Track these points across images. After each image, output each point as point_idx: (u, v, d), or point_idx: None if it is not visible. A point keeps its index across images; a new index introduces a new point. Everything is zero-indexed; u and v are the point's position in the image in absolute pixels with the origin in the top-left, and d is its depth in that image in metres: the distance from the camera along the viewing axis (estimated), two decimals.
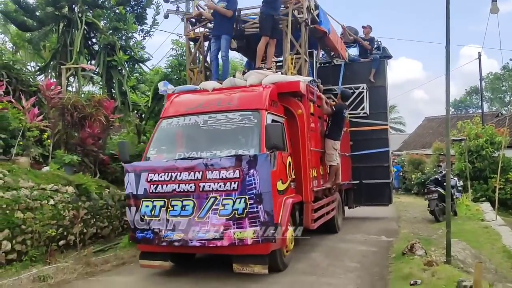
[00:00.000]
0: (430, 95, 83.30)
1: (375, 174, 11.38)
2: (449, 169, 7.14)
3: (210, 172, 5.68)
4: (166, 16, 9.49)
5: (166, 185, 5.88)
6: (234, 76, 7.77)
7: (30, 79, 11.21)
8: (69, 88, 11.40)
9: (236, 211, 5.50)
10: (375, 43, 12.63)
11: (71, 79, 11.58)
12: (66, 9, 11.54)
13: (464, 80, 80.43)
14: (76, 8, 11.49)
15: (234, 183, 5.57)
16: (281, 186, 6.18)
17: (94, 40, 12.45)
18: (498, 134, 15.38)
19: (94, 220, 8.19)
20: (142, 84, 14.22)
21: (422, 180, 18.82)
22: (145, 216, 5.90)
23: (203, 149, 6.29)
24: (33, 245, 6.68)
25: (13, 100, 8.46)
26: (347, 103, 10.12)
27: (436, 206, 11.26)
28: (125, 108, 11.89)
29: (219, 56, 8.66)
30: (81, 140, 9.31)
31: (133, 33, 12.70)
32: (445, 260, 6.37)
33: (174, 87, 8.20)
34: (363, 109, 11.53)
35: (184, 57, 12.25)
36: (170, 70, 13.63)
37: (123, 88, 11.84)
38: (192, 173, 5.77)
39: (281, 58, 8.87)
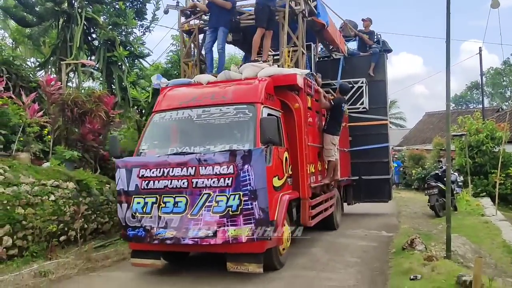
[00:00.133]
0: (431, 91, 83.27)
1: (375, 170, 11.26)
2: (450, 164, 7.14)
3: (203, 167, 5.51)
4: (166, 11, 9.45)
5: (158, 181, 5.71)
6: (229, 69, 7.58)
7: (30, 74, 11.20)
8: (69, 84, 11.38)
9: (230, 208, 5.34)
10: (375, 36, 12.46)
11: (71, 74, 11.56)
12: (66, 4, 11.50)
13: (465, 75, 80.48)
14: (75, 4, 11.45)
15: (228, 179, 5.40)
16: (277, 182, 6.05)
17: (94, 35, 12.41)
18: (498, 129, 15.38)
19: (95, 215, 8.21)
20: (142, 80, 14.19)
21: (423, 176, 18.83)
22: (137, 213, 5.74)
23: (197, 144, 6.14)
24: (34, 241, 6.69)
25: (13, 96, 8.46)
26: (346, 97, 9.92)
27: (436, 201, 11.27)
28: (125, 103, 11.87)
29: (215, 49, 8.43)
30: (82, 135, 9.31)
31: (133, 29, 12.66)
32: (445, 255, 6.39)
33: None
34: (362, 103, 11.37)
35: None
36: (170, 65, 13.62)
37: (123, 83, 11.82)
38: (185, 168, 5.60)
39: (278, 52, 8.68)
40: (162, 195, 5.67)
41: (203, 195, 5.48)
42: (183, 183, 5.59)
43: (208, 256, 6.97)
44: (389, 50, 12.69)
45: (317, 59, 11.62)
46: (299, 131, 7.07)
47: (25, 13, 11.90)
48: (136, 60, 13.19)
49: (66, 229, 7.35)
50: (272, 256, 5.88)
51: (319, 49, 12.04)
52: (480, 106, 27.76)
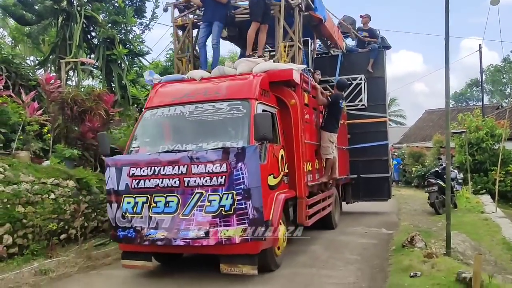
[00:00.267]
0: (431, 88, 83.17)
1: (374, 168, 11.11)
2: (449, 161, 7.15)
3: (195, 166, 5.32)
4: (165, 9, 9.43)
5: (149, 180, 5.51)
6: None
7: (30, 73, 11.19)
8: (69, 82, 11.39)
9: (223, 208, 5.15)
10: (375, 33, 12.13)
11: (71, 73, 11.56)
12: (65, 2, 11.49)
13: (465, 73, 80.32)
14: (75, 2, 11.44)
15: (221, 178, 5.21)
16: (272, 181, 5.90)
17: (93, 34, 12.40)
18: (498, 126, 15.40)
19: (95, 214, 8.20)
20: (141, 78, 14.16)
21: (422, 173, 18.85)
22: (127, 213, 5.56)
23: (189, 141, 5.94)
24: (34, 239, 6.70)
25: (12, 95, 8.45)
26: (344, 94, 9.70)
27: (436, 198, 11.29)
28: (125, 102, 11.87)
29: (210, 44, 8.18)
30: (81, 134, 9.30)
31: (132, 27, 12.66)
32: (445, 252, 6.41)
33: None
34: (361, 100, 11.17)
35: None
36: (169, 63, 13.61)
37: (122, 82, 11.82)
38: (177, 167, 5.41)
39: (275, 49, 8.36)
40: (153, 195, 5.49)
41: (195, 195, 5.30)
42: (175, 182, 5.41)
43: (206, 255, 7.00)
44: (388, 47, 12.42)
45: (315, 56, 11.43)
46: (296, 128, 6.91)
47: (24, 12, 11.89)
48: (135, 58, 13.19)
49: (66, 227, 7.35)
50: (267, 257, 5.73)
51: (317, 45, 11.81)
52: (480, 103, 27.75)
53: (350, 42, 12.51)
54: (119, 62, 11.76)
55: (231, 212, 5.14)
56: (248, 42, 7.96)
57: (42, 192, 6.94)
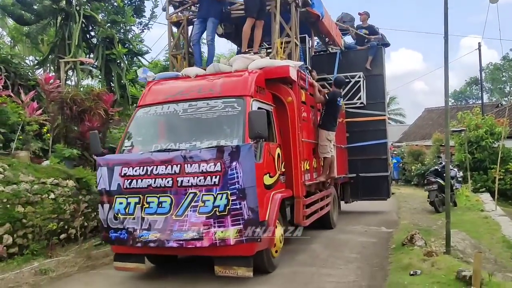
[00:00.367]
0: (430, 87, 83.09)
1: (373, 167, 10.98)
2: (449, 160, 7.15)
3: (189, 165, 5.17)
4: (164, 9, 9.46)
5: (141, 180, 5.37)
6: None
7: (29, 73, 11.17)
8: (68, 82, 11.37)
9: (217, 208, 5.01)
10: (375, 29, 12.00)
11: (70, 72, 11.54)
12: (64, 2, 11.48)
13: (464, 71, 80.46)
14: (74, 1, 11.43)
15: (215, 177, 5.06)
16: (268, 180, 5.76)
17: (92, 33, 12.40)
18: (498, 124, 15.40)
19: (95, 213, 8.16)
20: None
21: (422, 171, 18.87)
22: (119, 214, 5.41)
23: (182, 140, 5.80)
24: (34, 239, 6.70)
25: (12, 95, 8.44)
26: (342, 91, 9.47)
27: (436, 197, 11.29)
28: (125, 101, 11.87)
29: (205, 41, 8.04)
30: (81, 134, 9.30)
31: (131, 26, 12.67)
32: (445, 251, 6.41)
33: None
34: (359, 98, 10.95)
35: None
36: (169, 62, 13.59)
37: (122, 81, 11.82)
38: (170, 166, 5.26)
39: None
40: (146, 195, 5.35)
41: (188, 195, 5.16)
42: (168, 182, 5.26)
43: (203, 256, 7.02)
44: (387, 44, 12.27)
45: (313, 53, 11.33)
46: (293, 126, 6.75)
47: (23, 11, 11.88)
48: (135, 58, 13.19)
49: (66, 227, 7.35)
50: (264, 258, 5.60)
51: (314, 43, 11.72)
52: (480, 101, 27.76)
53: (350, 40, 12.41)
54: (118, 61, 11.77)
55: (226, 213, 5.01)
56: (243, 39, 7.80)
57: (42, 192, 6.93)
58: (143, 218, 5.30)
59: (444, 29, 6.49)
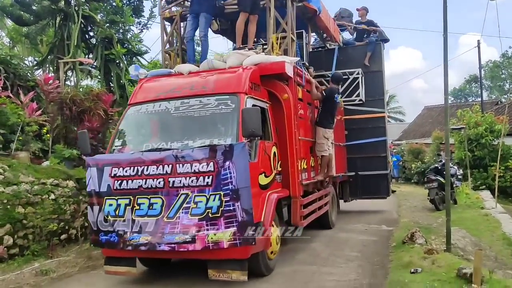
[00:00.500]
0: (430, 85, 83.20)
1: (372, 165, 10.78)
2: (449, 157, 7.15)
3: (181, 165, 4.98)
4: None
5: (132, 181, 5.17)
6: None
7: (28, 73, 11.18)
8: (67, 82, 11.40)
9: (210, 210, 4.82)
10: (374, 24, 11.79)
11: (69, 73, 11.56)
12: (63, 2, 11.49)
13: (464, 69, 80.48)
14: (72, 2, 11.44)
15: (208, 178, 4.87)
16: (263, 180, 5.58)
17: (91, 33, 12.41)
18: (497, 122, 15.40)
19: None
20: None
21: (422, 169, 18.87)
22: (109, 217, 5.22)
23: (174, 139, 5.60)
24: (35, 240, 6.69)
25: (11, 95, 8.45)
26: (340, 88, 9.23)
27: (436, 194, 11.28)
28: (124, 101, 11.81)
29: (198, 36, 7.89)
30: None
31: (130, 26, 12.70)
32: (445, 248, 6.41)
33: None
34: (358, 95, 10.74)
35: None
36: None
37: (121, 81, 11.83)
38: (161, 166, 5.07)
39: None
40: (136, 196, 5.15)
41: (180, 196, 4.97)
42: (159, 183, 5.07)
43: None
44: (386, 40, 12.01)
45: (311, 50, 11.06)
46: (289, 123, 6.55)
47: (22, 12, 11.88)
48: (134, 58, 13.19)
49: (66, 227, 7.34)
50: (259, 261, 5.39)
51: (312, 39, 11.49)
52: (479, 99, 27.78)
53: (348, 36, 12.21)
54: (117, 61, 11.77)
55: (219, 215, 4.81)
56: (237, 34, 7.59)
57: (42, 192, 6.93)
58: (133, 220, 5.12)
59: (444, 28, 6.48)
